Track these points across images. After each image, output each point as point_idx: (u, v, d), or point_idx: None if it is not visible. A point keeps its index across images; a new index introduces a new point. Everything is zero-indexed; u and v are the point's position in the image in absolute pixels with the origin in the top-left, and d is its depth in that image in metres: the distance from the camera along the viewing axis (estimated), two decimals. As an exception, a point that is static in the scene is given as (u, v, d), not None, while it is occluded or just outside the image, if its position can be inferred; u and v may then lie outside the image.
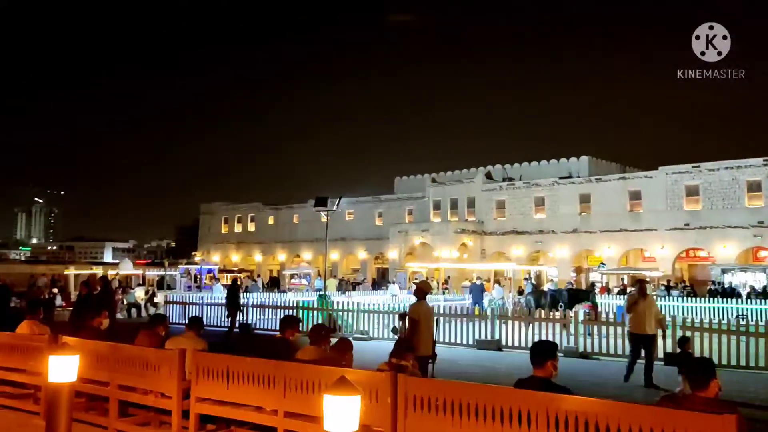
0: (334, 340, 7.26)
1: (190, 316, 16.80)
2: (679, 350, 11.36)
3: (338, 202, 26.57)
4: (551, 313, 17.55)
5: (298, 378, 5.59)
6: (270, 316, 21.38)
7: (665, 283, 32.93)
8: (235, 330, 19.80)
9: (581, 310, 18.43)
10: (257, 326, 21.12)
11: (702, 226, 37.24)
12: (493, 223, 45.52)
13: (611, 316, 17.47)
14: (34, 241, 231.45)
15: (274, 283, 42.95)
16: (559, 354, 5.21)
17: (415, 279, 33.68)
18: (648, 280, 34.49)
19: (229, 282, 40.12)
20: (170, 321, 12.12)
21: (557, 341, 13.66)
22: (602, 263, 38.37)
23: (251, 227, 61.06)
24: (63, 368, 5.02)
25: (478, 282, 27.33)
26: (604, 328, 15.78)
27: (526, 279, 30.33)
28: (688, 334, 13.19)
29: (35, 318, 9.34)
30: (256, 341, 17.02)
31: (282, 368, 5.79)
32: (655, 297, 27.63)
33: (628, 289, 32.73)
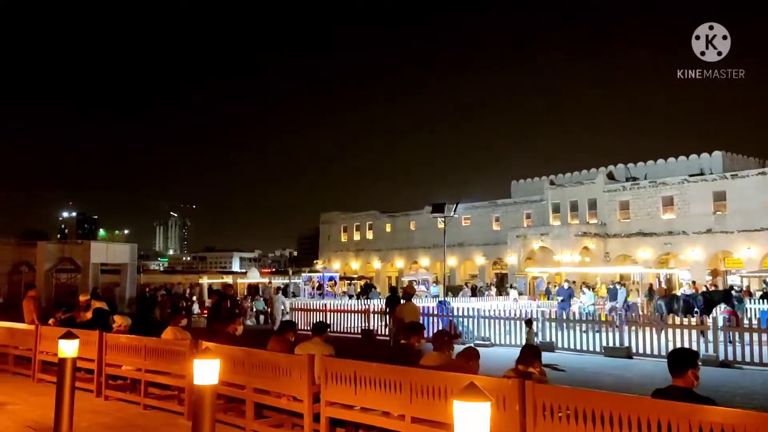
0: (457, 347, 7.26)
1: (315, 322, 17.29)
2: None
3: (455, 208, 26.52)
4: (686, 319, 16.50)
5: (425, 384, 5.62)
6: (388, 322, 21.67)
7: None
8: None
9: (720, 315, 17.22)
10: (378, 332, 21.45)
11: None
12: (617, 224, 43.58)
13: (755, 322, 16.17)
14: (171, 252, 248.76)
15: (368, 289, 40.94)
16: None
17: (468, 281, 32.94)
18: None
19: (351, 288, 40.90)
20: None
21: (694, 349, 12.85)
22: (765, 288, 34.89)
23: (369, 235, 62.24)
24: (206, 371, 5.36)
25: (566, 286, 25.17)
26: (747, 335, 14.65)
27: (618, 283, 27.06)
28: None
29: (177, 324, 10.04)
30: (379, 347, 17.31)
31: (408, 374, 5.85)
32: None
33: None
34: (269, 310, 28.38)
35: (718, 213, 39.29)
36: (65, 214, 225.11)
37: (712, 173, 41.54)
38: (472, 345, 8.22)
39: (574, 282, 29.83)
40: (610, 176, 46.78)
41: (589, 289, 25.84)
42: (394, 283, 54.21)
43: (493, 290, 37.32)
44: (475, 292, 38.49)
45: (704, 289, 26.29)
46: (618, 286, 25.33)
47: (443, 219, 26.79)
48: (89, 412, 8.53)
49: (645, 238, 41.79)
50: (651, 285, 31.08)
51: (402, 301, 14.73)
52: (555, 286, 33.25)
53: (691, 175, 41.55)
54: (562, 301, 23.56)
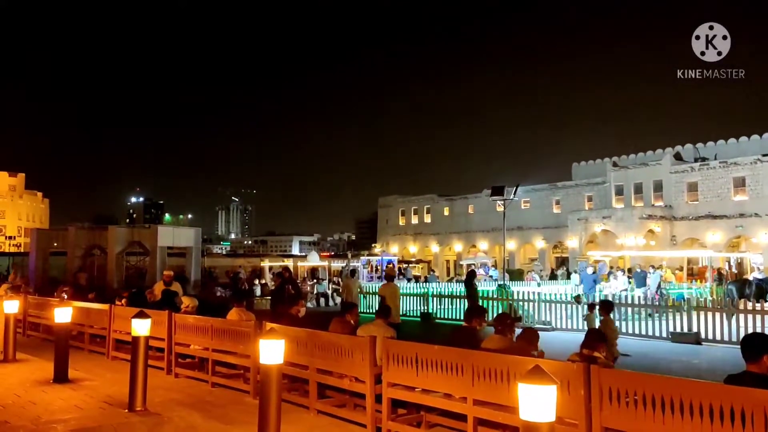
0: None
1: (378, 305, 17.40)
2: None
3: (515, 191, 26.10)
4: (758, 304, 15.85)
5: (487, 366, 5.61)
6: (447, 306, 21.73)
7: None
8: None
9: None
10: (437, 315, 21.53)
11: None
12: (684, 207, 42.11)
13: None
14: (233, 236, 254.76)
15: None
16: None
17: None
18: None
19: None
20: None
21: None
22: None
23: (427, 218, 62.14)
24: (272, 351, 5.50)
25: (590, 270, 23.44)
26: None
27: (651, 266, 24.75)
28: None
29: (241, 306, 10.31)
30: (439, 330, 17.36)
31: (470, 357, 5.84)
32: None
33: None
34: (344, 295, 27.14)
35: (793, 194, 37.47)
36: (133, 200, 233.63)
37: (787, 152, 39.59)
38: (530, 326, 8.13)
39: (593, 267, 27.60)
40: (678, 157, 45.16)
41: (622, 273, 24.43)
42: (452, 266, 54.33)
43: (533, 275, 35.46)
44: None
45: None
46: (651, 270, 23.46)
47: (502, 202, 26.48)
48: (161, 388, 8.88)
49: (714, 221, 40.28)
50: (720, 269, 29.97)
51: (385, 281, 15.97)
52: (619, 270, 32.19)
53: (764, 155, 39.67)
54: (583, 285, 21.86)
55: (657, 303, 17.83)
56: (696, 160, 43.99)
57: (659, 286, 21.98)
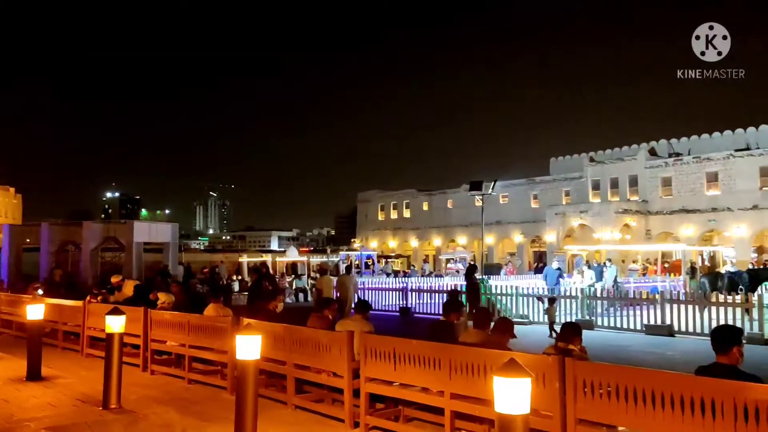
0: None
1: (357, 300, 17.34)
2: None
3: (493, 186, 26.27)
4: (730, 297, 16.14)
5: (464, 360, 5.64)
6: (427, 300, 21.80)
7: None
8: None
9: (766, 293, 16.79)
10: (416, 310, 21.60)
11: None
12: (659, 201, 42.70)
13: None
14: (211, 231, 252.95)
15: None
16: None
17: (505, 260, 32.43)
18: None
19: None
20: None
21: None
22: None
23: (406, 213, 62.23)
24: (248, 347, 5.48)
25: (554, 265, 22.35)
26: (794, 314, 14.27)
27: (608, 260, 24.59)
28: None
29: (218, 301, 10.25)
30: (418, 324, 17.41)
31: (448, 351, 5.87)
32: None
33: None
34: (338, 291, 24.30)
35: (765, 189, 38.13)
36: (108, 195, 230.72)
37: (758, 148, 40.27)
38: (506, 317, 8.19)
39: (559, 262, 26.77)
40: (652, 152, 45.74)
41: (588, 268, 24.16)
42: (431, 261, 54.59)
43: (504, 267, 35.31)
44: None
45: (750, 266, 25.64)
46: (607, 264, 23.30)
47: (481, 197, 26.64)
48: (136, 385, 8.80)
49: (688, 215, 40.90)
50: (693, 263, 30.46)
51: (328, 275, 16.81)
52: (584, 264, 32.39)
53: (737, 150, 40.36)
54: (548, 279, 20.98)
55: (613, 296, 18.07)
56: (670, 156, 44.60)
57: (615, 279, 22.19)
